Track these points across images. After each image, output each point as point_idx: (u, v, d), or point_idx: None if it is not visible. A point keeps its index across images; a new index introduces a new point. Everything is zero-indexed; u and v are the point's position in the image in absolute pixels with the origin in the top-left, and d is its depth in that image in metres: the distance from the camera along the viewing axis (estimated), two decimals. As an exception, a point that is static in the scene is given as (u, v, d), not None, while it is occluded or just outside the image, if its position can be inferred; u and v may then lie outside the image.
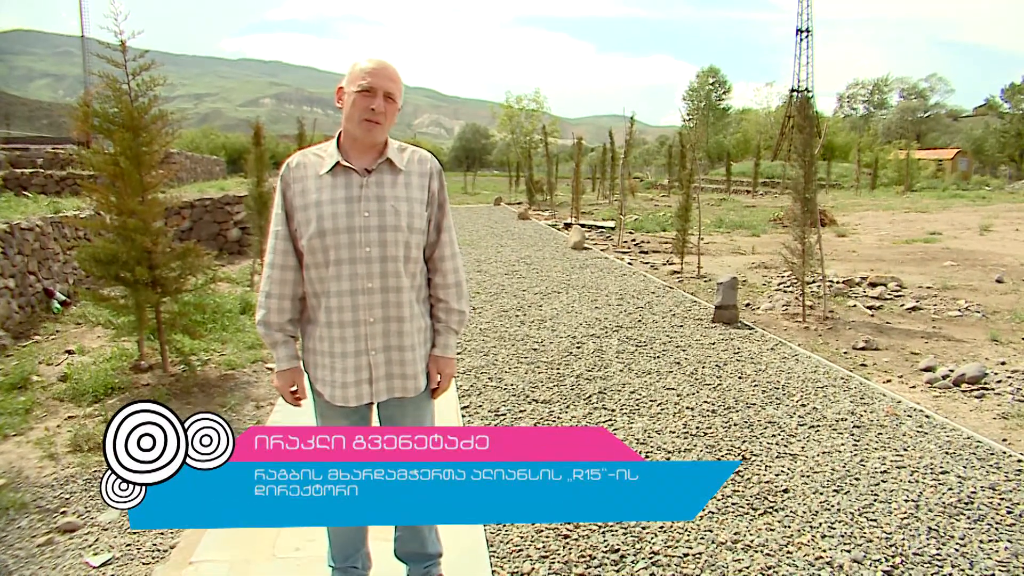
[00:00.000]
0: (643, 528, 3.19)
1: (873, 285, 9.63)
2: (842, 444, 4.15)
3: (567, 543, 3.07)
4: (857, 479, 3.69)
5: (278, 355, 2.24)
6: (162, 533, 3.28)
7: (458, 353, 6.00)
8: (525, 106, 53.07)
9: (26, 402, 4.88)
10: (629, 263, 11.67)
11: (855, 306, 8.37)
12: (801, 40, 68.06)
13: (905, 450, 4.07)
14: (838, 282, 9.68)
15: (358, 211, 2.13)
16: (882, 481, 3.66)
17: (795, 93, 66.61)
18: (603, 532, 3.15)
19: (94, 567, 3.00)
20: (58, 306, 7.78)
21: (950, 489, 3.57)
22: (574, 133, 22.70)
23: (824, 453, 4.02)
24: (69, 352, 6.21)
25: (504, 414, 4.62)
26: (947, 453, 4.03)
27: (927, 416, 4.66)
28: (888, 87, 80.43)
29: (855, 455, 4.00)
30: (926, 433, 4.35)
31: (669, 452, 4.02)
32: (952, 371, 5.61)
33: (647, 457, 3.94)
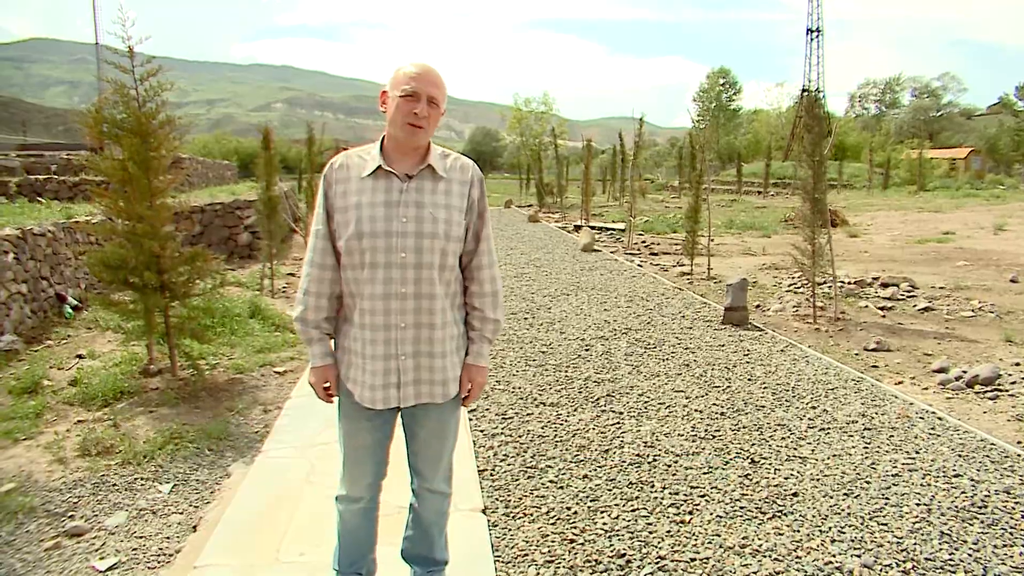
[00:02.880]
0: (650, 532, 3.16)
1: (885, 286, 9.55)
2: (853, 447, 4.10)
3: (573, 547, 3.04)
4: (868, 482, 3.64)
5: (313, 351, 2.27)
6: (167, 538, 3.28)
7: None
8: (534, 109, 53.04)
9: (36, 406, 4.90)
10: (639, 265, 11.63)
11: (866, 307, 8.29)
12: (812, 40, 67.71)
13: (917, 453, 4.02)
14: (849, 283, 9.60)
15: (396, 216, 2.14)
16: (893, 484, 3.62)
17: (806, 93, 66.25)
18: (609, 537, 3.13)
19: (100, 572, 3.00)
20: (70, 311, 7.83)
21: (963, 493, 3.52)
22: (584, 135, 22.66)
23: (834, 456, 3.97)
24: (80, 356, 6.24)
25: (511, 417, 4.60)
26: (960, 456, 3.98)
27: (940, 418, 4.60)
28: (900, 86, 79.87)
29: (866, 458, 3.95)
30: (939, 435, 4.29)
31: (677, 455, 3.99)
32: (965, 372, 5.54)
33: (655, 461, 3.91)
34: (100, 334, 7.04)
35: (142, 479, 3.91)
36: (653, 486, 3.61)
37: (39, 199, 12.83)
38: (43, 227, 8.00)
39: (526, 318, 7.46)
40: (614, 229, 17.19)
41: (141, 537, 3.30)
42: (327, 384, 2.30)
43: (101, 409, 4.96)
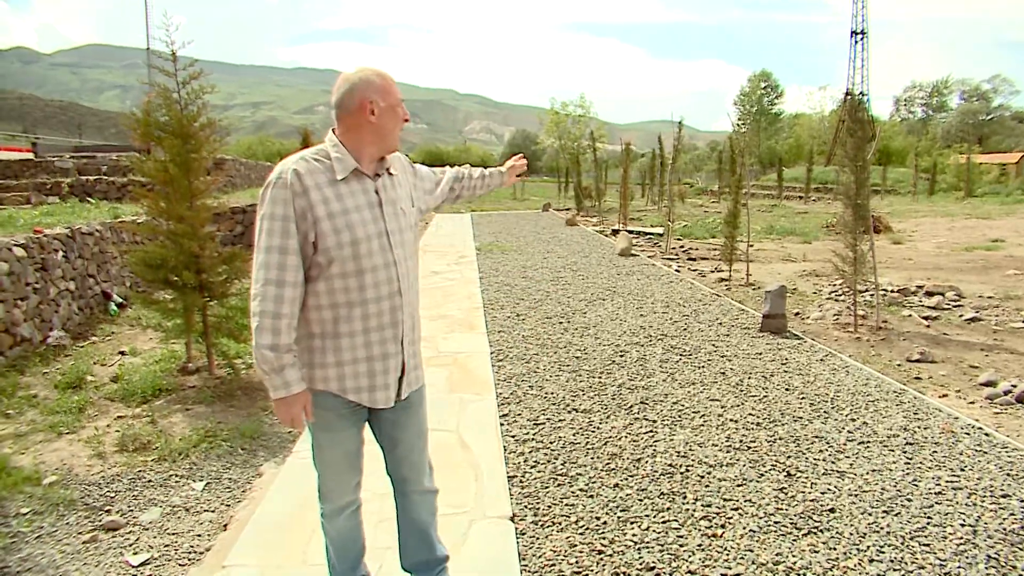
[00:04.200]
0: (680, 546, 3.10)
1: (930, 294, 9.26)
2: (894, 462, 3.97)
3: (601, 559, 3.00)
4: (909, 500, 3.51)
5: (287, 378, 2.08)
6: (199, 535, 3.33)
7: (500, 360, 5.99)
8: (571, 112, 52.84)
9: (80, 401, 5.04)
10: (676, 270, 11.49)
11: (910, 316, 8.05)
12: (856, 42, 66.30)
13: (962, 470, 3.87)
14: (892, 291, 9.33)
15: (379, 216, 2.18)
16: (936, 503, 3.48)
17: (850, 97, 64.88)
18: (639, 549, 3.07)
19: (133, 566, 3.06)
20: (115, 308, 8.04)
21: (1012, 514, 3.37)
22: (623, 138, 22.50)
23: (874, 471, 3.85)
24: (122, 353, 6.40)
25: (543, 423, 4.56)
26: (1008, 475, 3.81)
27: (987, 434, 4.42)
28: (948, 89, 77.62)
29: (907, 474, 3.82)
30: (985, 452, 4.13)
31: (711, 466, 3.91)
32: (1015, 386, 5.33)
33: (687, 472, 3.84)
34: (142, 331, 7.21)
35: (176, 476, 3.98)
36: (685, 497, 3.54)
37: (89, 199, 13.21)
38: (91, 226, 8.22)
39: (561, 322, 7.42)
40: (652, 233, 17.03)
41: (174, 534, 3.35)
42: (303, 411, 2.17)
43: (140, 406, 5.07)
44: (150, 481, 3.92)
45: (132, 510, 3.60)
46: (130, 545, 3.24)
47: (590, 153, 30.20)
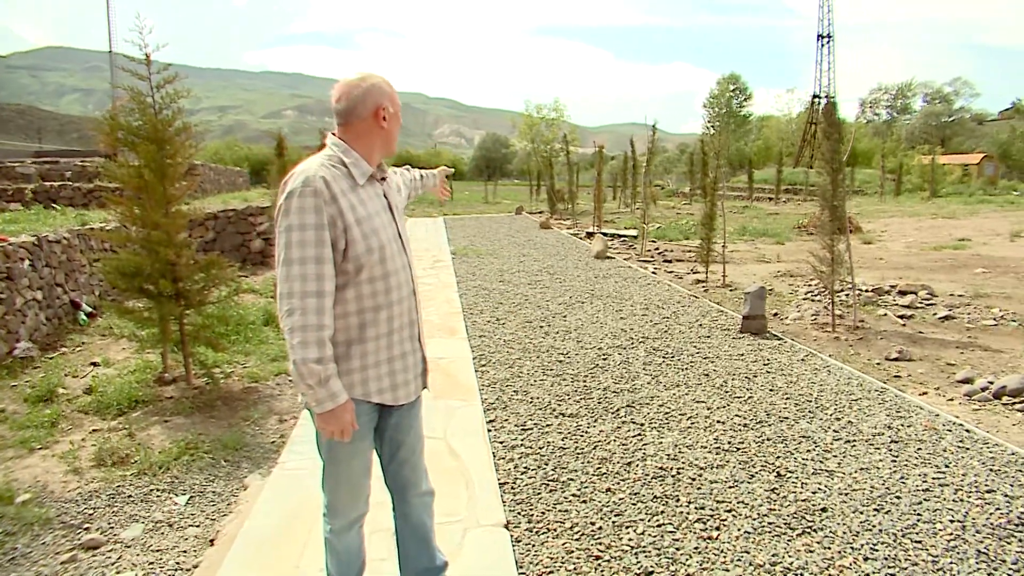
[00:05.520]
0: (677, 549, 3.08)
1: (903, 293, 9.42)
2: (880, 460, 4.01)
3: (599, 564, 2.97)
4: (898, 497, 3.55)
5: (333, 389, 2.04)
6: (184, 551, 3.23)
7: (483, 365, 5.94)
8: (545, 115, 53.00)
9: (52, 415, 4.88)
10: (653, 272, 11.54)
11: (885, 315, 8.18)
12: (823, 46, 67.50)
13: (947, 467, 3.92)
14: (867, 290, 9.48)
15: (392, 219, 2.24)
16: (924, 500, 3.52)
17: (817, 99, 65.99)
18: (636, 553, 3.05)
19: (117, 586, 2.96)
20: (84, 318, 7.83)
21: (998, 509, 3.42)
22: (595, 141, 22.57)
23: (862, 470, 3.88)
24: (94, 364, 6.22)
25: (531, 428, 4.53)
26: (992, 470, 3.87)
27: (968, 431, 4.49)
28: (912, 92, 79.28)
29: (894, 472, 3.86)
30: (968, 448, 4.19)
31: (701, 468, 3.91)
32: (991, 383, 5.43)
33: (679, 474, 3.84)
34: (115, 341, 7.03)
35: (158, 490, 3.87)
36: (678, 500, 3.54)
37: (54, 206, 12.90)
38: (58, 234, 8.00)
39: (541, 326, 7.39)
40: (627, 236, 17.10)
41: (158, 550, 3.25)
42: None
43: (116, 418, 4.93)
44: (130, 496, 3.80)
45: (112, 527, 3.48)
46: (112, 564, 3.14)
47: (563, 156, 30.30)
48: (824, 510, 3.42)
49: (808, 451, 4.14)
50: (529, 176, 40.53)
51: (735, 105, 75.48)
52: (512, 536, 3.20)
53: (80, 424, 4.83)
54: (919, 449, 4.17)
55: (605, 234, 16.95)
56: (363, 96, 2.12)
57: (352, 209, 2.06)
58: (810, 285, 9.94)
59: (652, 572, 2.90)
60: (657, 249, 14.77)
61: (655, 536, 3.19)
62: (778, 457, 4.06)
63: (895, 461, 4.00)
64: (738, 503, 3.50)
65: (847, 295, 8.87)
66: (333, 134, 2.18)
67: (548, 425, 4.59)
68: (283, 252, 1.99)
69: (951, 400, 5.27)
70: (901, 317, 8.09)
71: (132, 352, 6.40)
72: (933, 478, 3.77)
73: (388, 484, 2.44)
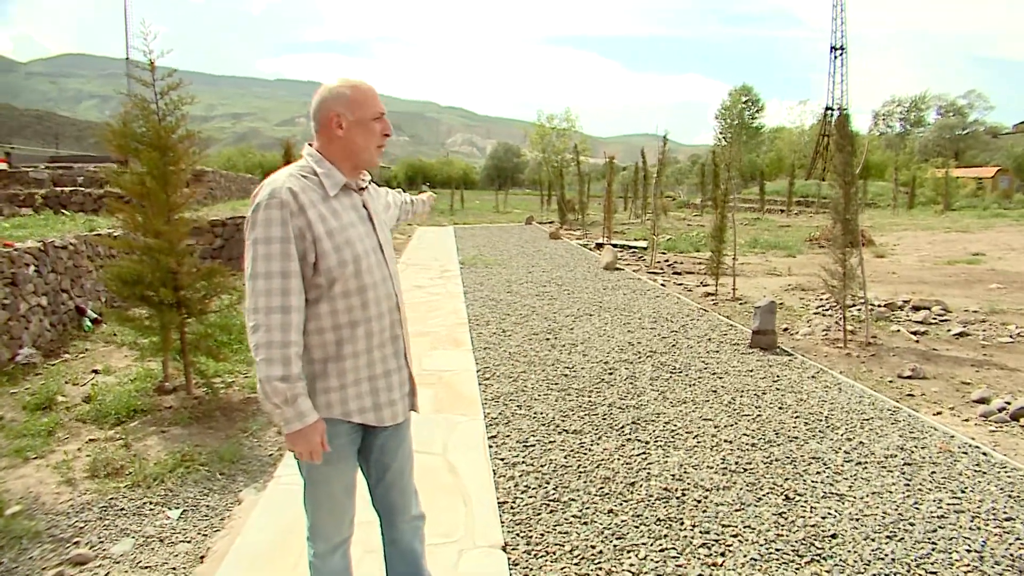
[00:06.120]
0: (680, 576, 2.97)
1: (916, 309, 9.26)
2: (893, 484, 3.88)
3: (598, 591, 2.86)
4: (912, 524, 3.42)
5: (301, 408, 1.95)
6: (174, 568, 3.15)
7: (487, 378, 5.84)
8: (556, 125, 53.03)
9: (49, 423, 4.83)
10: (662, 284, 11.42)
11: (898, 331, 8.02)
12: (836, 58, 67.30)
13: (963, 492, 3.78)
14: (879, 305, 9.32)
15: (372, 230, 2.14)
16: (939, 527, 3.39)
17: (830, 111, 65.71)
18: (637, 579, 2.94)
19: (102, 605, 2.87)
20: (89, 324, 7.80)
21: (1018, 539, 3.28)
22: (606, 152, 22.51)
23: (874, 494, 3.75)
24: (96, 372, 6.18)
25: (533, 445, 4.42)
26: (1010, 496, 3.73)
27: (984, 454, 4.35)
28: (926, 104, 78.80)
29: (908, 496, 3.73)
30: (985, 473, 4.05)
31: (707, 490, 3.79)
32: (1009, 403, 5.28)
33: (684, 496, 3.72)
34: (117, 348, 6.97)
35: (151, 503, 3.80)
36: (682, 523, 3.42)
37: (64, 211, 12.93)
38: (65, 240, 7.99)
39: (548, 338, 7.29)
40: (636, 247, 16.98)
41: (147, 567, 3.17)
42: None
43: (114, 427, 4.87)
44: (122, 509, 3.73)
45: (103, 541, 3.40)
46: (99, 581, 3.06)
47: (574, 166, 30.22)
48: (834, 536, 3.30)
49: (818, 473, 4.02)
50: (540, 186, 40.53)
51: (747, 117, 75.28)
52: (510, 559, 3.10)
53: (77, 433, 4.77)
54: (933, 472, 4.03)
55: (615, 245, 16.85)
56: (320, 104, 2.06)
57: (322, 220, 1.98)
58: (821, 299, 9.79)
59: (654, 600, 2.79)
60: (667, 261, 14.65)
61: (658, 561, 3.08)
62: (787, 479, 3.93)
63: (908, 485, 3.86)
64: (744, 527, 3.38)
65: (859, 310, 8.72)
66: (310, 144, 2.12)
67: (551, 442, 4.48)
68: (250, 266, 1.94)
69: (966, 421, 5.13)
70: (914, 333, 7.93)
71: (134, 360, 6.34)
72: (948, 504, 3.63)
73: (375, 507, 2.35)
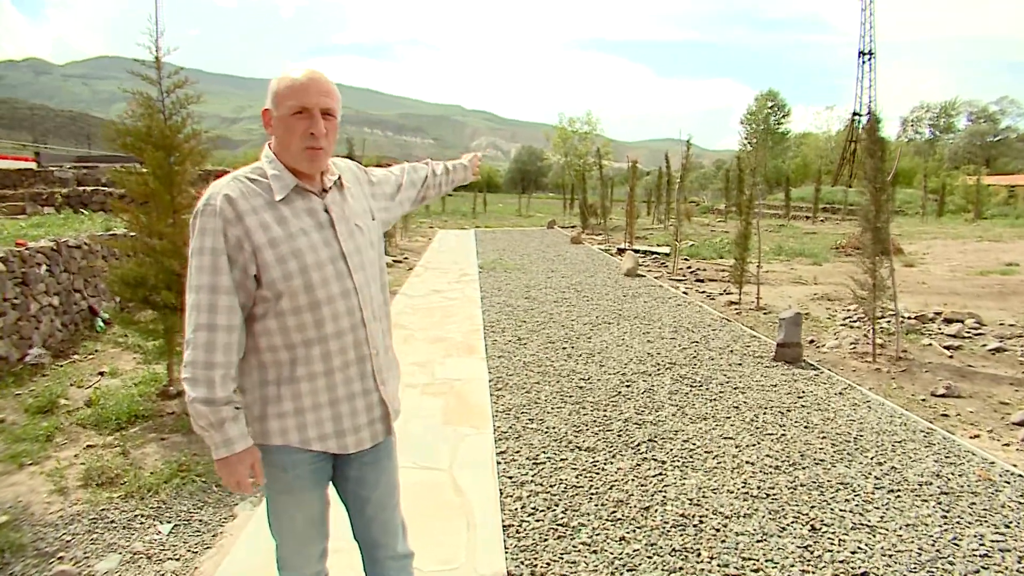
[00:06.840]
0: (696, 615, 2.74)
1: (948, 321, 8.89)
2: (928, 515, 3.60)
3: (606, 630, 2.64)
4: (951, 563, 3.14)
5: (228, 435, 1.77)
6: (157, 592, 2.98)
7: (499, 389, 5.64)
8: (578, 128, 52.76)
9: (49, 428, 4.71)
10: (684, 292, 11.14)
11: (930, 345, 7.68)
12: (864, 63, 66.21)
13: (1007, 527, 3.50)
14: (910, 317, 8.97)
15: (333, 237, 1.87)
16: (983, 568, 3.11)
17: (857, 117, 64.68)
18: (649, 618, 2.72)
19: (78, 630, 2.71)
20: (102, 324, 7.73)
21: (1068, 582, 3.01)
22: (629, 156, 22.23)
23: (908, 526, 3.49)
24: (101, 374, 6.08)
25: (543, 463, 4.21)
26: (1057, 532, 3.45)
27: (1027, 482, 4.06)
28: (956, 110, 77.31)
29: (945, 530, 3.45)
30: (1028, 504, 3.76)
31: (727, 517, 3.55)
32: (1051, 427, 4.96)
33: (701, 523, 3.48)
34: (126, 350, 6.87)
35: (143, 516, 3.64)
36: (699, 555, 3.19)
37: (83, 210, 12.97)
38: (79, 239, 7.93)
39: (564, 347, 7.07)
40: (658, 253, 16.69)
41: (130, 588, 3.01)
42: (252, 471, 1.84)
43: (113, 433, 4.74)
44: (113, 522, 3.58)
45: (88, 557, 3.25)
46: (79, 602, 2.90)
47: (596, 170, 29.97)
48: (865, 574, 3.04)
49: (846, 500, 3.76)
50: (563, 189, 40.31)
51: (773, 122, 74.40)
52: (512, 591, 2.89)
53: (76, 439, 4.65)
54: (973, 504, 3.75)
55: (636, 251, 16.58)
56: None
57: (264, 228, 1.77)
58: (849, 310, 9.45)
59: (667, 643, 2.57)
60: (689, 268, 14.35)
61: (672, 598, 2.85)
62: (812, 507, 3.68)
63: (946, 517, 3.59)
64: (766, 561, 3.14)
65: (889, 322, 8.39)
66: (269, 145, 1.91)
67: (562, 459, 4.26)
68: (187, 278, 1.79)
69: (1007, 445, 4.82)
70: (947, 348, 7.59)
71: (140, 362, 6.24)
72: (991, 541, 3.35)
73: (356, 539, 2.15)
